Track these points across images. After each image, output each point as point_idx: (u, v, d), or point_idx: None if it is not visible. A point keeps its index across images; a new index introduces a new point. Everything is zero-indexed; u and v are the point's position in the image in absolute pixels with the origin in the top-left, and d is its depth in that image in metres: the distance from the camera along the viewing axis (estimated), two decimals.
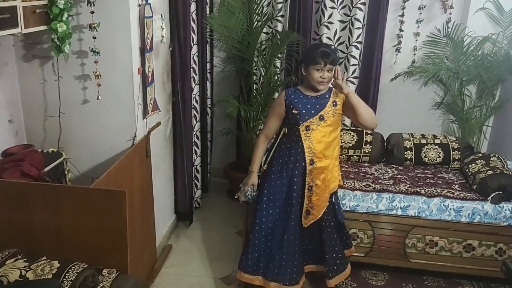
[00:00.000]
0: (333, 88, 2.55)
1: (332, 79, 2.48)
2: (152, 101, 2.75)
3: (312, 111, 2.49)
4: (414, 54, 3.89)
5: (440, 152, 3.37)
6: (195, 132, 3.61)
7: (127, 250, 2.05)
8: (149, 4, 2.54)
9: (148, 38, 2.59)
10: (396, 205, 2.89)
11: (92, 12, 2.30)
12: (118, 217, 2.01)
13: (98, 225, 2.05)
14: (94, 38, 2.33)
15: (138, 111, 2.58)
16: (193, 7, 3.32)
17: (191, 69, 3.35)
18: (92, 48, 2.35)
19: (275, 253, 2.55)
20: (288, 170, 2.53)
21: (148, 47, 2.59)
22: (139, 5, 2.48)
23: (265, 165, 2.66)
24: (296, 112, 2.49)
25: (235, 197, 2.73)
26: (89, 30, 2.33)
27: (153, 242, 2.96)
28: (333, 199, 2.65)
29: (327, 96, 2.52)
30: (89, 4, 2.28)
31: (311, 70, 2.43)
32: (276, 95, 3.70)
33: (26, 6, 2.05)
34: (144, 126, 2.72)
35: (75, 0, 2.34)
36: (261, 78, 3.89)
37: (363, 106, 2.51)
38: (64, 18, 2.26)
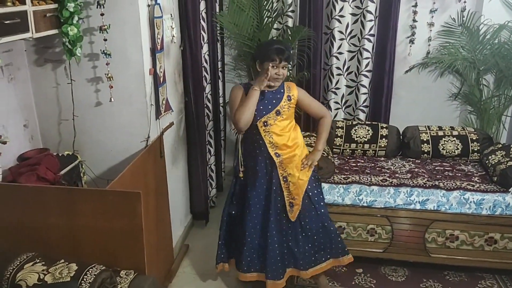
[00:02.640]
0: (285, 83, 2.52)
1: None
2: (164, 102, 2.75)
3: (269, 106, 2.46)
4: (429, 45, 3.82)
5: (458, 144, 3.30)
6: (208, 131, 3.60)
7: (143, 251, 2.05)
8: (159, 4, 2.53)
9: (159, 38, 2.58)
10: (414, 199, 2.85)
11: (102, 14, 2.30)
12: (134, 218, 2.00)
13: (114, 227, 2.04)
14: (105, 40, 2.33)
15: (150, 112, 2.58)
16: (202, 5, 3.30)
17: (203, 68, 3.34)
18: (103, 50, 2.35)
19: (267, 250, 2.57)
20: (261, 168, 2.53)
21: (158, 47, 2.58)
22: (149, 6, 2.46)
23: (241, 171, 2.61)
24: None
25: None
26: (100, 33, 2.33)
27: (170, 243, 2.96)
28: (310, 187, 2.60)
29: (282, 90, 2.50)
30: (98, 6, 2.28)
31: (267, 66, 2.39)
32: None
33: (37, 10, 2.06)
34: (157, 126, 2.71)
35: (85, 3, 2.35)
36: None
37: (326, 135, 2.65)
38: (74, 21, 2.27)
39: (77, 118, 2.55)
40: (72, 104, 2.51)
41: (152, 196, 2.58)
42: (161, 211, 2.75)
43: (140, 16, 2.38)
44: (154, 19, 2.49)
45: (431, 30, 3.77)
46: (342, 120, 3.77)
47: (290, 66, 2.45)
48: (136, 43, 2.42)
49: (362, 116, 3.92)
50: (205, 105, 3.42)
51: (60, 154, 2.50)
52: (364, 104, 3.90)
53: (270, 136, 2.49)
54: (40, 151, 2.47)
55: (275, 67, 2.39)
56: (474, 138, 3.31)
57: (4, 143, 2.14)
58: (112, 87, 2.41)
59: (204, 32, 3.37)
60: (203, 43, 3.34)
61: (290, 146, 2.52)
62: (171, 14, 2.83)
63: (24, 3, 1.97)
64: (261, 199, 2.57)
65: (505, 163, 2.87)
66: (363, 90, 3.87)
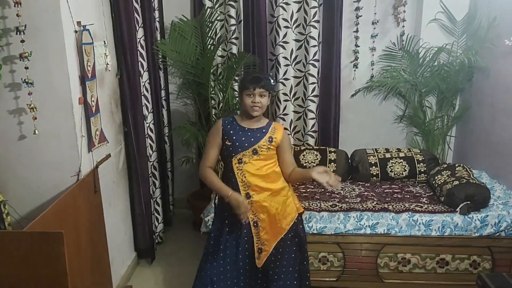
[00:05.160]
0: (273, 124, 2.42)
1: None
2: (98, 133, 2.57)
3: (246, 144, 2.34)
4: (372, 69, 3.87)
5: (405, 166, 3.30)
6: (152, 163, 3.43)
7: None
8: (88, 30, 2.39)
9: (89, 65, 2.43)
10: (364, 223, 2.78)
11: (22, 41, 2.12)
12: (57, 262, 1.79)
13: (36, 273, 1.82)
14: (26, 68, 2.15)
15: (81, 144, 2.39)
16: (140, 33, 3.18)
17: (143, 97, 3.20)
18: (25, 79, 2.17)
19: None
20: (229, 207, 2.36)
21: (89, 75, 2.43)
22: (76, 31, 2.32)
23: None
24: (229, 143, 2.35)
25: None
26: (20, 60, 2.16)
27: (109, 285, 2.72)
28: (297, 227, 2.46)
29: (264, 130, 2.38)
30: (18, 33, 2.12)
31: (244, 96, 2.34)
32: None
33: None
34: (91, 159, 2.53)
35: (4, 30, 2.18)
36: (220, 102, 3.77)
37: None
38: None
39: None
40: None
41: (85, 235, 2.36)
42: (97, 251, 2.53)
43: (66, 43, 2.22)
44: (83, 46, 2.35)
45: (373, 55, 3.83)
46: (291, 146, 3.70)
47: (269, 94, 2.36)
48: (63, 71, 2.25)
49: (311, 141, 3.88)
50: (147, 135, 3.26)
51: None
52: (313, 129, 3.86)
53: (242, 174, 2.33)
54: None
55: (251, 95, 2.31)
56: (420, 159, 3.32)
57: None
58: (36, 118, 2.22)
59: (144, 60, 3.25)
60: (142, 71, 3.21)
61: (264, 188, 2.35)
62: (104, 41, 2.70)
63: None
64: (227, 246, 2.37)
65: (451, 182, 2.87)
66: (310, 115, 3.84)
